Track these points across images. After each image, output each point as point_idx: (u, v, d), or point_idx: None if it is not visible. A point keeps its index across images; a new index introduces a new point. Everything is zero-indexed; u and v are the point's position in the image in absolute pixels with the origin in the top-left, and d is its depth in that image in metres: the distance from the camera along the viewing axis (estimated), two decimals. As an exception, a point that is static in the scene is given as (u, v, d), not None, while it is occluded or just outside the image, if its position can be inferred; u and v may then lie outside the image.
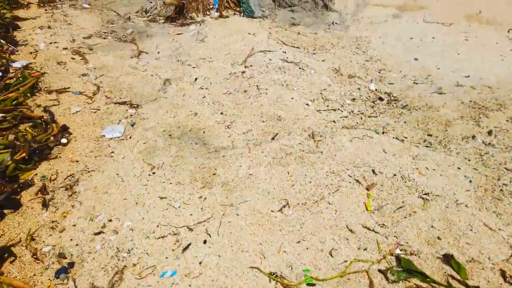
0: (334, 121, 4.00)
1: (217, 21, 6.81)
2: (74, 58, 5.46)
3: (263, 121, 3.97)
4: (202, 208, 3.00)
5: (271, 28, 6.44)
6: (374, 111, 4.30)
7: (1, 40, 5.67)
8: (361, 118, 4.13)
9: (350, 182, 3.10)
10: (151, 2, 7.66)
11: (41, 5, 7.63)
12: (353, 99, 4.47)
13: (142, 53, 5.83)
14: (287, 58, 5.28)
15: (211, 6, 7.04)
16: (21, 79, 4.71)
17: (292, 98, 4.35)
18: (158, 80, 5.03)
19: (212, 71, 5.11)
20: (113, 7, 7.86)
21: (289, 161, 3.38)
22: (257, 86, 4.57)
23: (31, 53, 5.50)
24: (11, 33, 6.02)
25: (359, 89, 4.67)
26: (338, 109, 4.26)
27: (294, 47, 5.83)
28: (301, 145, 3.59)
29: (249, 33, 6.09)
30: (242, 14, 6.98)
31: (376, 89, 4.70)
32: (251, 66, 5.06)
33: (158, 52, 5.81)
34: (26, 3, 7.60)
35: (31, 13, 7.18)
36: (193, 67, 5.33)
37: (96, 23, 6.94)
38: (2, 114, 4.07)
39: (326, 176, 3.16)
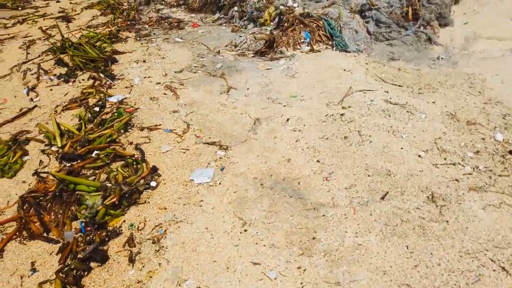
0: (457, 180, 3.34)
1: (308, 56, 6.50)
2: (166, 94, 5.46)
3: (368, 175, 3.45)
4: (302, 283, 2.55)
5: (368, 63, 5.95)
6: (505, 168, 3.55)
7: (101, 74, 5.91)
8: (490, 177, 3.41)
9: (494, 270, 2.43)
10: (240, 36, 7.63)
11: (138, 39, 8.01)
12: (477, 152, 3.76)
13: (231, 89, 5.68)
14: (390, 98, 4.73)
15: (302, 40, 6.77)
16: (116, 114, 4.76)
17: (401, 148, 3.77)
18: (248, 119, 4.78)
19: (305, 111, 4.73)
20: (204, 40, 7.97)
21: (407, 231, 2.81)
22: (358, 131, 4.08)
23: (126, 87, 5.63)
24: (110, 67, 6.28)
25: (483, 139, 3.94)
26: (459, 164, 3.59)
27: (395, 85, 5.26)
28: (420, 210, 3.00)
29: (344, 69, 5.66)
30: (334, 48, 6.60)
31: (503, 140, 3.93)
32: (349, 107, 4.59)
33: (248, 89, 5.62)
34: (124, 37, 8.03)
35: (128, 47, 7.53)
36: (284, 106, 5.02)
37: (187, 57, 7.03)
38: (97, 152, 4.07)
39: (460, 258, 2.53)
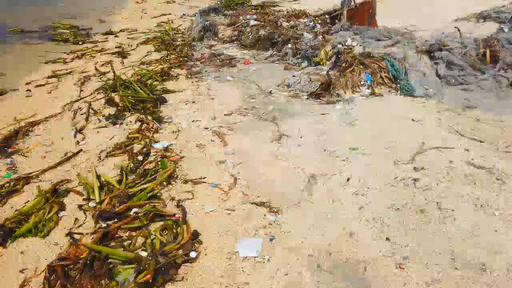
0: None
1: (368, 100, 5.93)
2: (213, 141, 5.10)
3: (456, 268, 2.77)
4: None
5: (440, 112, 5.26)
6: None
7: (149, 117, 5.71)
8: None
9: None
10: (294, 76, 7.23)
11: (189, 77, 7.86)
12: None
13: (283, 136, 5.21)
14: (473, 159, 4.01)
15: (362, 82, 6.23)
16: (160, 164, 4.44)
17: (495, 231, 3.06)
18: (302, 175, 4.26)
19: (369, 170, 4.13)
20: (255, 79, 7.66)
21: None
22: (438, 204, 3.40)
23: (173, 132, 5.35)
24: (158, 108, 6.08)
25: None
26: None
27: (475, 140, 4.52)
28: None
29: (413, 119, 5.02)
30: (399, 92, 5.98)
31: None
32: (423, 169, 3.93)
33: (301, 137, 5.12)
34: (176, 75, 7.92)
35: (178, 85, 7.38)
36: (343, 160, 4.45)
37: (237, 97, 6.71)
38: (136, 210, 3.72)
39: None
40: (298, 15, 11.58)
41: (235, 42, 10.20)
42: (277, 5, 14.73)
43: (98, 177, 4.05)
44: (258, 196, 3.96)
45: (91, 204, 3.77)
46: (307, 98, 6.44)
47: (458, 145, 4.33)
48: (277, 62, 8.61)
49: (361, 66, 6.49)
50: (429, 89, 5.85)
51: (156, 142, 5.03)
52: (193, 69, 8.38)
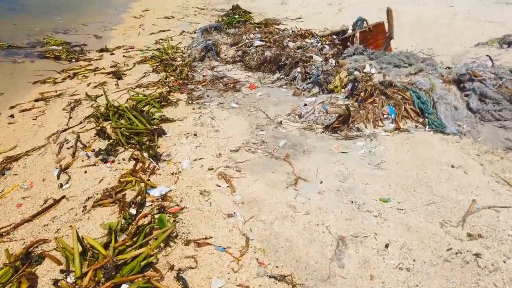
0: None
1: (393, 137, 5.24)
2: (219, 186, 4.37)
3: None
4: None
5: (479, 155, 4.58)
6: None
7: (145, 154, 4.99)
8: None
9: None
10: (306, 105, 6.55)
11: (190, 102, 7.17)
12: None
13: (299, 179, 4.51)
14: (538, 223, 3.32)
15: (384, 116, 5.56)
16: (156, 220, 3.71)
17: None
18: (328, 236, 3.53)
19: (411, 233, 3.42)
20: (262, 106, 6.98)
21: None
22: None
23: (173, 173, 4.62)
24: (156, 142, 5.36)
25: None
26: None
27: (530, 194, 3.84)
28: None
29: (452, 165, 4.33)
30: (428, 127, 5.31)
31: None
32: (481, 237, 3.23)
33: (321, 182, 4.41)
34: (175, 100, 7.23)
35: (178, 112, 6.68)
36: (376, 216, 3.74)
37: (244, 128, 6.01)
38: (126, 286, 2.97)
39: None
40: (305, 35, 11.00)
41: (238, 63, 9.56)
42: (280, 23, 14.19)
43: (81, 240, 3.30)
44: (277, 266, 3.23)
45: (70, 279, 3.02)
46: (323, 132, 5.76)
47: (513, 201, 3.64)
48: (284, 86, 7.96)
49: (383, 97, 5.83)
50: (462, 125, 5.19)
51: (152, 187, 4.30)
52: (194, 93, 7.70)
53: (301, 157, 5.09)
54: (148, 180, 4.44)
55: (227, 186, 4.38)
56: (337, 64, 7.11)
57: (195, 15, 18.17)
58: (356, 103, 6.03)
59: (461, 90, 5.71)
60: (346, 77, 6.61)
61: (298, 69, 7.98)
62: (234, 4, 17.48)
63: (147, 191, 4.21)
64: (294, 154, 5.16)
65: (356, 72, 6.45)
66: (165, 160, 4.93)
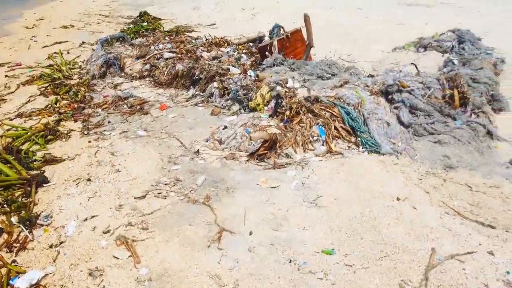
0: None
1: (326, 163, 4.55)
2: (117, 258, 3.26)
3: None
4: None
5: (421, 179, 4.05)
6: None
7: (13, 219, 3.67)
8: None
9: None
10: (225, 128, 5.65)
11: (85, 133, 5.86)
12: None
13: (224, 232, 3.58)
14: (509, 273, 2.77)
15: (314, 137, 4.86)
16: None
17: None
18: (265, 319, 2.65)
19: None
20: (175, 130, 5.94)
21: None
22: None
23: (51, 246, 3.39)
24: (33, 198, 4.04)
25: None
26: None
27: (484, 225, 3.34)
28: None
29: (397, 198, 3.72)
30: (361, 147, 4.72)
31: None
32: (451, 303, 2.58)
33: (251, 233, 3.53)
34: (67, 131, 5.86)
35: (69, 147, 5.36)
36: (321, 279, 2.94)
37: (154, 163, 4.93)
38: None
39: None
40: (220, 43, 10.12)
41: (147, 79, 8.34)
42: (193, 30, 13.13)
43: None
44: None
45: None
46: (247, 161, 4.89)
47: (474, 244, 3.08)
48: (201, 104, 6.96)
49: (310, 115, 5.14)
50: (397, 142, 4.67)
51: (19, 273, 3.05)
52: (92, 119, 6.37)
53: (225, 197, 4.16)
54: (14, 261, 3.17)
55: (129, 256, 3.29)
56: (256, 78, 6.31)
57: (98, 23, 16.30)
58: (281, 123, 5.27)
59: (390, 102, 5.24)
60: (268, 93, 5.84)
61: (215, 84, 7.05)
62: (141, 11, 16.02)
63: (10, 281, 2.95)
64: (216, 194, 4.22)
65: (278, 88, 5.70)
66: (42, 225, 3.66)
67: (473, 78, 5.11)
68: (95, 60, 8.79)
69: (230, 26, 13.81)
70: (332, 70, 6.35)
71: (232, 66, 8.06)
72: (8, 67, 9.80)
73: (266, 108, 5.81)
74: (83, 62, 9.73)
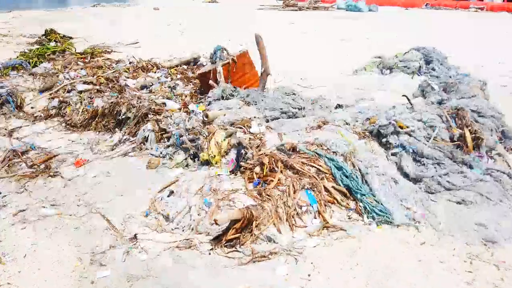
0: None
1: (329, 249, 3.17)
2: None
3: None
4: None
5: (471, 271, 2.84)
6: None
7: None
8: None
9: None
10: (171, 193, 4.02)
11: (-43, 218, 3.82)
12: None
13: None
14: None
15: (303, 208, 3.45)
16: None
17: None
18: None
19: None
20: (98, 198, 4.16)
21: None
22: None
23: None
24: None
25: None
26: None
27: None
28: None
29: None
30: (366, 216, 3.42)
31: None
32: None
33: None
34: None
35: None
36: None
37: (68, 269, 3.14)
38: None
39: None
40: (147, 67, 8.35)
41: (55, 120, 6.31)
42: (112, 51, 11.09)
43: None
44: None
45: None
46: (212, 249, 3.32)
47: None
48: (132, 154, 5.21)
49: (290, 172, 3.74)
50: (411, 207, 3.45)
51: None
52: (-29, 191, 4.31)
53: (188, 331, 2.56)
54: None
55: None
56: (206, 118, 4.76)
57: (-8, 44, 13.37)
58: (251, 186, 3.79)
59: (385, 147, 4.05)
60: (224, 140, 4.33)
61: (149, 126, 5.34)
62: (47, 28, 13.45)
63: None
64: (173, 326, 2.60)
65: (239, 134, 4.22)
66: None
67: (478, 112, 4.14)
68: (-20, 97, 6.51)
69: (155, 44, 11.98)
70: (298, 103, 5.05)
71: (168, 98, 6.40)
72: None
73: (223, 160, 4.30)
74: (-35, 98, 7.30)
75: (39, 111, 6.46)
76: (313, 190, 3.52)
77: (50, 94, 6.79)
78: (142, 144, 5.31)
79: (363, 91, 5.93)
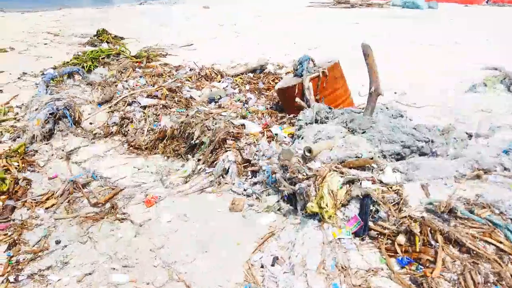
0: None
1: None
2: None
3: None
4: None
5: None
6: None
7: None
8: None
9: None
10: (275, 260, 3.01)
11: (11, 281, 3.00)
12: None
13: None
14: None
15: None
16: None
17: None
18: None
19: None
20: (176, 256, 3.28)
21: None
22: None
23: None
24: None
25: None
26: None
27: None
28: None
29: None
30: None
31: None
32: None
33: None
34: (-28, 283, 2.96)
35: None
36: None
37: None
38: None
39: None
40: (211, 75, 7.43)
41: (116, 138, 5.49)
42: (167, 54, 10.30)
43: None
44: None
45: None
46: None
47: None
48: (209, 189, 4.26)
49: (453, 249, 2.61)
50: None
51: None
52: (27, 235, 3.51)
53: None
54: None
55: None
56: (308, 154, 3.70)
57: (45, 44, 12.98)
58: (399, 267, 2.69)
59: None
60: (341, 188, 3.26)
61: (230, 156, 4.37)
62: (99, 29, 12.92)
63: None
64: None
65: (366, 184, 3.12)
66: None
67: None
68: (36, 110, 5.81)
69: (211, 47, 11.07)
70: (423, 134, 3.89)
71: (242, 117, 5.42)
72: None
73: (340, 216, 3.23)
74: (20, 107, 6.67)
75: (98, 127, 5.66)
76: (501, 285, 2.39)
77: (110, 107, 5.99)
78: (221, 177, 4.35)
79: (490, 114, 4.68)
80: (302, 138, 4.34)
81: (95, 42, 12.07)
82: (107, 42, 11.93)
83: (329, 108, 4.69)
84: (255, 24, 13.99)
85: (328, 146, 3.87)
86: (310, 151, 3.71)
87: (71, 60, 9.18)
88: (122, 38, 12.54)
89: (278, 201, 3.87)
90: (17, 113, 6.46)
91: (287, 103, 5.44)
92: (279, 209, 3.82)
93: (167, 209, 3.94)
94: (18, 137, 5.44)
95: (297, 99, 5.01)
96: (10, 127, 5.82)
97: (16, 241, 3.46)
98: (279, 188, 3.79)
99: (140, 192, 4.20)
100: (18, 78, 8.74)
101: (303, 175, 3.66)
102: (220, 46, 10.92)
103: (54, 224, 3.73)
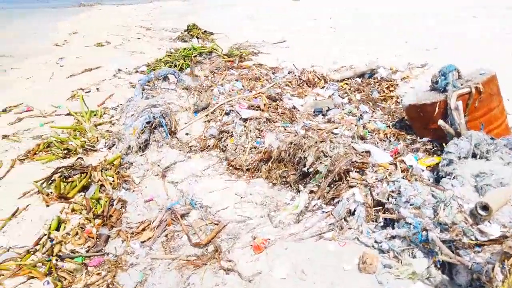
0: None
1: None
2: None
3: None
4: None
5: None
6: None
7: None
8: None
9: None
10: None
11: None
12: None
13: None
14: None
15: None
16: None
17: None
18: None
19: None
20: None
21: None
22: None
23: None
24: None
25: None
26: None
27: None
28: None
29: None
30: None
31: None
32: None
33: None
34: None
35: None
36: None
37: None
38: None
39: None
40: (313, 80, 6.52)
41: (213, 153, 4.88)
42: (259, 52, 9.60)
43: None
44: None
45: None
46: None
47: None
48: (329, 236, 3.39)
49: None
50: None
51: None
52: (121, 274, 2.99)
53: None
54: None
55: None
56: (483, 213, 2.65)
57: (138, 38, 13.14)
58: None
59: None
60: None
61: (357, 195, 3.46)
62: (189, 24, 12.70)
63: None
64: None
65: None
66: None
67: None
68: (132, 116, 5.44)
69: (305, 45, 10.11)
70: None
71: (361, 137, 4.44)
72: (15, 113, 6.70)
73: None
74: (115, 109, 6.44)
75: (194, 139, 5.10)
76: None
77: (206, 115, 5.41)
78: (343, 219, 3.47)
79: None
80: (455, 177, 3.28)
81: (185, 37, 11.86)
82: (197, 38, 11.63)
83: (491, 138, 3.53)
84: (351, 20, 12.71)
85: (506, 198, 2.77)
86: (486, 208, 2.65)
87: (163, 58, 8.94)
88: (211, 34, 12.18)
89: (428, 267, 2.89)
90: (112, 116, 6.23)
91: (419, 123, 4.34)
92: (428, 278, 2.85)
93: (279, 259, 3.17)
94: (113, 145, 5.11)
95: (441, 122, 3.90)
96: (105, 132, 5.54)
97: (110, 286, 2.96)
98: (432, 249, 2.81)
99: (246, 231, 3.49)
100: (114, 75, 8.71)
101: (472, 240, 2.64)
102: (315, 43, 9.94)
103: (150, 265, 3.17)
